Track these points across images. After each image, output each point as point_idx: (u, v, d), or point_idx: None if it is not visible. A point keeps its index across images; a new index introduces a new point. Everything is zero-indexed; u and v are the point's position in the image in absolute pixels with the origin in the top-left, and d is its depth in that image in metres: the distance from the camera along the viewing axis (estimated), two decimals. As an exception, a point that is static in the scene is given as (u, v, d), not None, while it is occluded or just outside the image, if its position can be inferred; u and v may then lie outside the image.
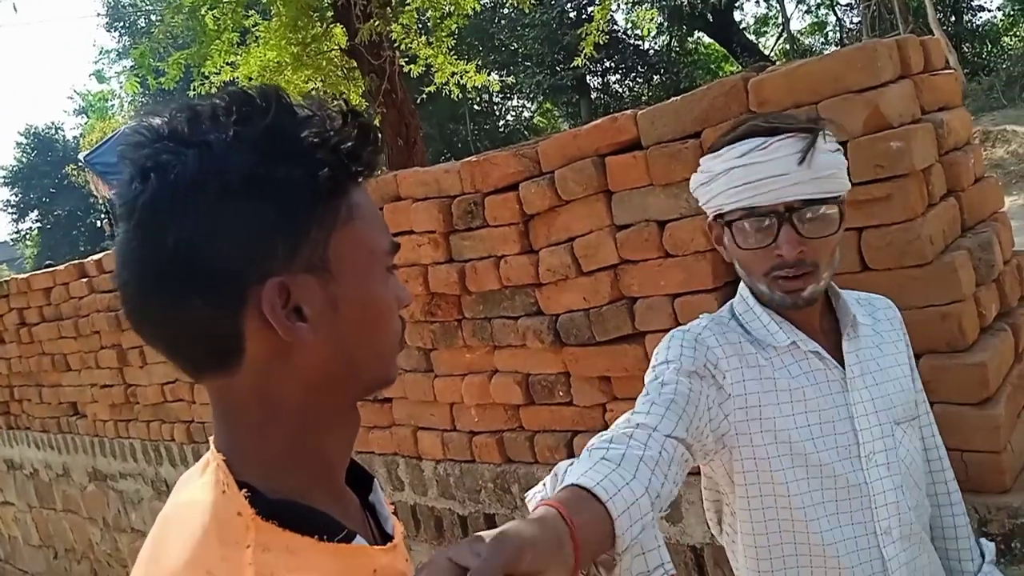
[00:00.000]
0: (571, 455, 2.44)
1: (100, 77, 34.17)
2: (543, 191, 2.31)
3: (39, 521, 5.58)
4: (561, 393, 2.45)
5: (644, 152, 2.12)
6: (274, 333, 0.70)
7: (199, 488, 0.73)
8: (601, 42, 6.79)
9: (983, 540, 1.45)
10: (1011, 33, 17.66)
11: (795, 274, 1.27)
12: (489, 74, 6.93)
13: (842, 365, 1.34)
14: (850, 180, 1.36)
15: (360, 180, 0.76)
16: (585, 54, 7.02)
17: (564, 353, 2.40)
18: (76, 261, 4.53)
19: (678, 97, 2.12)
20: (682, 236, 2.08)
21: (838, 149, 1.31)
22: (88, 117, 35.47)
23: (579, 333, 2.33)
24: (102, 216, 19.72)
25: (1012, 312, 2.00)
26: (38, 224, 35.22)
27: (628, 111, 2.20)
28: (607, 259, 2.23)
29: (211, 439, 0.77)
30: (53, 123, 46.21)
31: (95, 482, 4.80)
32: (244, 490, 0.70)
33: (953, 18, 17.28)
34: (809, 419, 1.32)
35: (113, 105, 33.55)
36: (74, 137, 34.74)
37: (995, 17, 18.61)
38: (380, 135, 0.78)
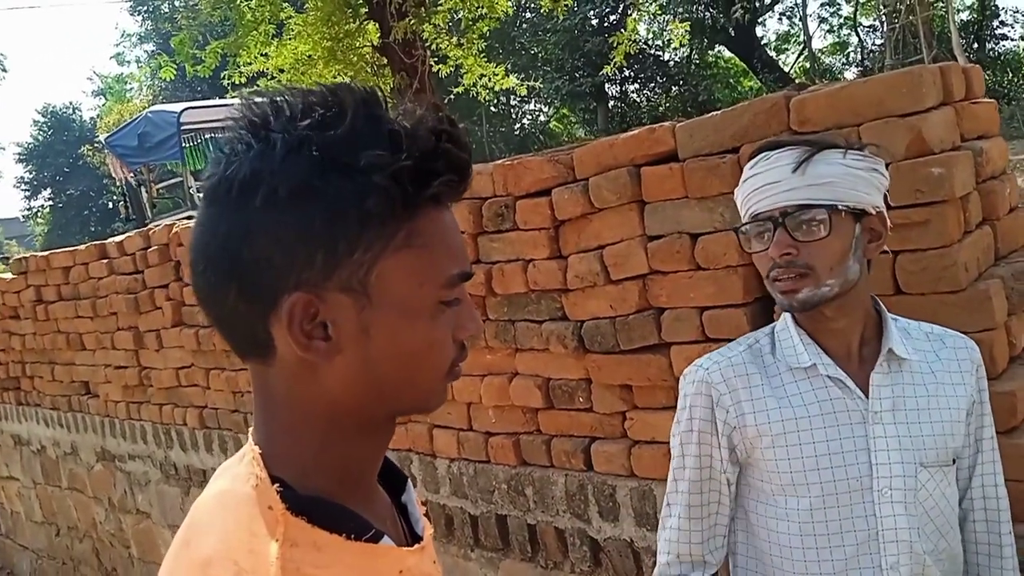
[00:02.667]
0: (588, 461, 2.45)
1: (120, 60, 34.32)
2: (576, 198, 2.32)
3: (43, 498, 5.60)
4: (581, 399, 2.46)
5: (681, 164, 2.13)
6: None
7: (233, 479, 0.74)
8: (631, 51, 6.81)
9: None
10: (1034, 64, 17.63)
11: (787, 275, 1.33)
12: (509, 77, 6.91)
13: (867, 396, 1.36)
14: (889, 204, 1.40)
15: (434, 203, 0.73)
16: (616, 63, 7.04)
17: (587, 359, 2.40)
18: (97, 242, 4.55)
19: (718, 112, 2.12)
20: (715, 250, 2.09)
21: (872, 169, 1.34)
22: (106, 99, 35.63)
23: (603, 340, 2.34)
24: (115, 198, 19.79)
25: (1041, 343, 2.00)
26: (50, 202, 35.38)
27: (666, 123, 2.20)
28: (637, 268, 2.24)
29: (250, 430, 0.78)
30: (71, 103, 46.45)
31: (103, 462, 4.82)
32: (276, 485, 0.71)
33: (976, 45, 17.27)
34: (817, 448, 1.35)
35: (131, 88, 33.69)
36: (91, 118, 34.92)
37: (1018, 46, 18.58)
38: (468, 157, 0.74)
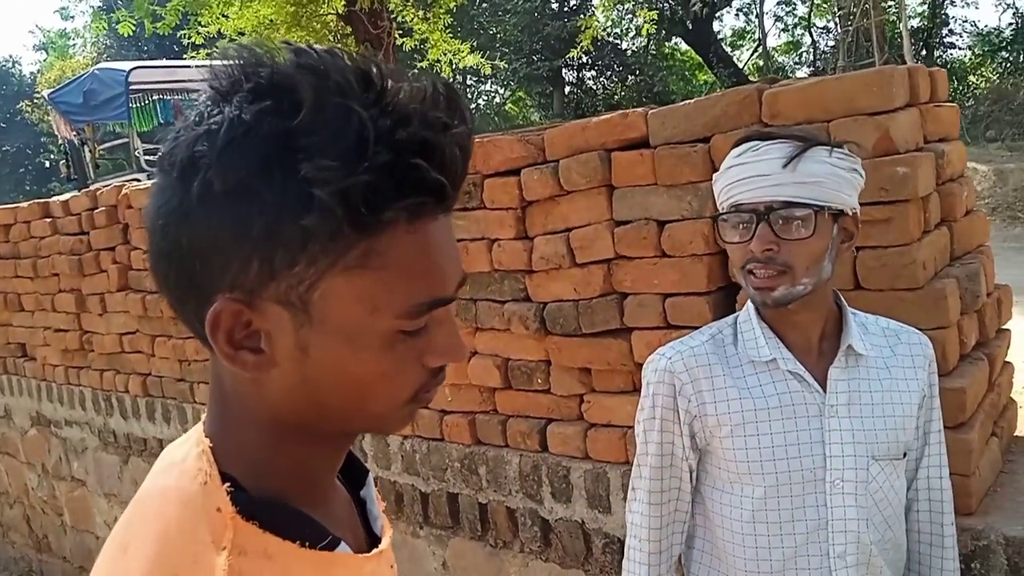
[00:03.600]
0: (543, 442, 2.46)
1: (64, 15, 33.13)
2: (545, 179, 2.32)
3: (-29, 462, 5.43)
4: (540, 380, 2.47)
5: (652, 151, 2.14)
6: None
7: (180, 475, 0.66)
8: (597, 35, 6.80)
9: None
10: (978, 72, 18.15)
11: (765, 271, 1.33)
12: (473, 55, 6.83)
13: (825, 390, 1.39)
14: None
15: (407, 219, 0.60)
16: (582, 47, 7.03)
17: (548, 341, 2.41)
18: (41, 200, 4.40)
19: (690, 100, 2.14)
20: (681, 237, 2.10)
21: (853, 169, 1.35)
22: (48, 54, 34.37)
23: (565, 323, 2.35)
24: (55, 156, 19.14)
25: (988, 343, 2.07)
26: (-16, 158, 34.03)
27: (639, 109, 2.21)
28: (602, 253, 2.25)
29: (203, 417, 0.71)
30: (10, 56, 44.68)
31: (37, 427, 4.68)
32: (227, 484, 0.63)
33: (924, 52, 17.69)
34: (774, 439, 1.38)
35: (75, 44, 32.56)
36: (31, 73, 33.64)
37: (964, 55, 19.11)
38: (458, 169, 0.62)
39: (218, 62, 0.63)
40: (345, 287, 0.61)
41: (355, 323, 0.62)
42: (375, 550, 0.73)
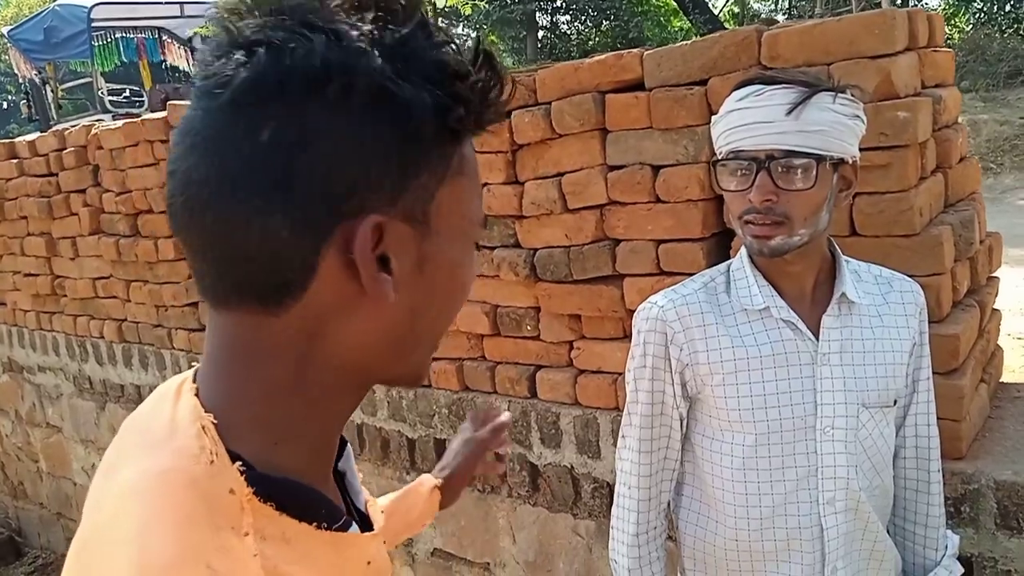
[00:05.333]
0: (532, 389, 2.46)
1: (19, -53, 31.84)
2: (537, 121, 2.27)
3: (-59, 409, 5.34)
4: (529, 327, 2.45)
5: (647, 93, 2.10)
6: (351, 279, 0.59)
7: (174, 454, 0.59)
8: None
9: (950, 532, 1.51)
10: (951, 23, 18.14)
11: (763, 221, 1.30)
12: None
13: (818, 338, 1.38)
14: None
15: (478, 132, 0.64)
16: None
17: (537, 288, 2.39)
18: (5, 140, 4.25)
19: (687, 42, 2.09)
20: (676, 182, 2.08)
21: (856, 116, 1.32)
22: (1, -11, 33.08)
23: (556, 269, 2.32)
24: (15, 96, 18.54)
25: (979, 290, 2.08)
26: (-62, 98, 32.94)
27: (635, 50, 2.16)
28: (595, 198, 2.22)
29: (192, 387, 0.63)
30: (-39, -10, 42.93)
31: (9, 373, 4.60)
32: (238, 463, 0.58)
33: (900, 1, 17.63)
34: (766, 388, 1.37)
35: (31, -21, 31.32)
36: (-15, 9, 32.42)
37: (939, 5, 19.07)
38: (511, 85, 0.64)
39: None
40: (451, 194, 0.62)
41: (461, 229, 0.64)
42: (374, 531, 0.71)
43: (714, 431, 1.44)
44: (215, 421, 0.60)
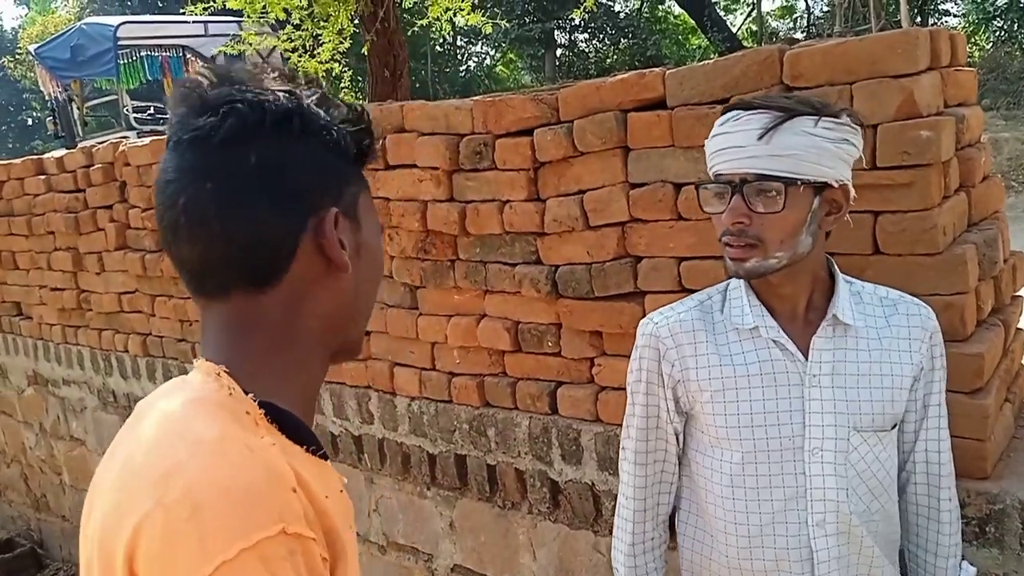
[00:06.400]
0: (553, 405, 2.46)
1: (46, -33, 32.40)
2: (559, 140, 2.29)
3: (-34, 421, 5.40)
4: (550, 343, 2.46)
5: (669, 112, 2.11)
6: (319, 258, 0.82)
7: (200, 390, 0.78)
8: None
9: (966, 563, 1.49)
10: (971, 41, 18.06)
11: (738, 243, 1.34)
12: (475, 13, 6.66)
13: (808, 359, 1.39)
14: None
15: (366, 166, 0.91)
16: (586, 7, 6.89)
17: (559, 304, 2.40)
18: (34, 156, 4.33)
19: (710, 61, 2.11)
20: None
21: (844, 140, 1.33)
22: (29, 9, 33.66)
23: (578, 286, 2.34)
24: (38, 113, 18.83)
25: (1004, 309, 2.07)
26: (-35, 115, 33.45)
27: (656, 69, 2.18)
28: (617, 215, 2.23)
29: (199, 360, 0.81)
30: (-11, 9, 43.71)
31: (35, 386, 4.66)
32: (250, 394, 0.78)
33: (919, 19, 17.59)
34: (753, 407, 1.39)
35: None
36: (12, 29, 32.99)
37: (959, 23, 19.00)
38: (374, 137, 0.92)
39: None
40: (366, 201, 0.88)
41: (373, 223, 0.90)
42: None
43: (705, 447, 1.47)
44: (226, 370, 0.79)
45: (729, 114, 1.37)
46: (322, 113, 0.82)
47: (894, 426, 1.41)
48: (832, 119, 1.32)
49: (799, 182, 1.30)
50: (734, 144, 1.33)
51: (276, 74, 0.84)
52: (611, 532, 2.39)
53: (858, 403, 1.37)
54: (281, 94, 0.81)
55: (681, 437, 1.51)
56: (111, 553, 0.70)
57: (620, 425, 2.31)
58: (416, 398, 2.80)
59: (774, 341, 1.38)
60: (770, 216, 1.31)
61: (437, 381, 2.73)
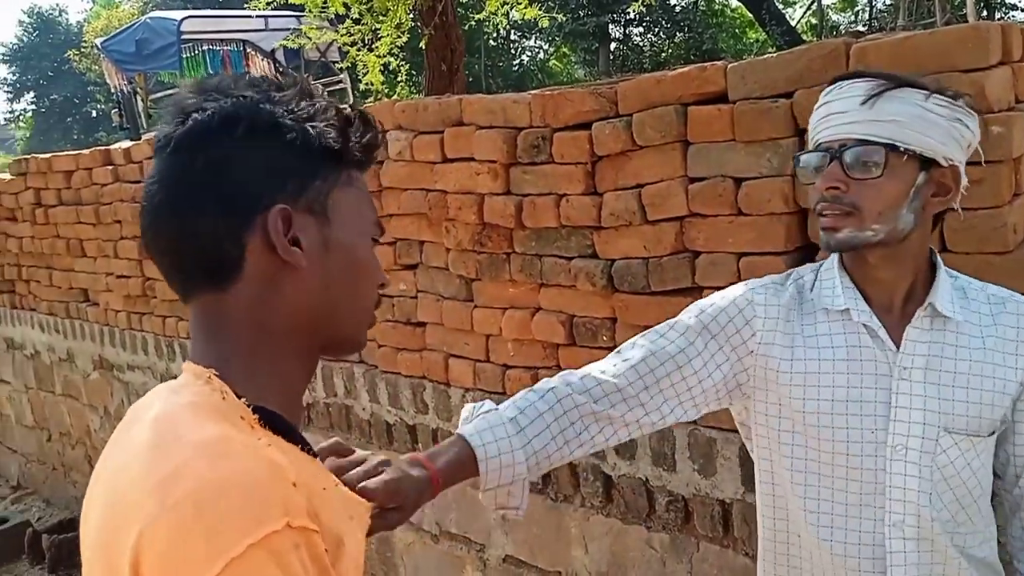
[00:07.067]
0: (607, 399, 2.46)
1: (111, -37, 33.22)
2: (617, 133, 2.28)
3: (35, 403, 5.59)
4: (605, 337, 2.46)
5: (731, 106, 2.10)
6: (272, 256, 0.81)
7: (195, 395, 0.79)
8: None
9: None
10: (1041, 35, 17.50)
11: (832, 211, 1.27)
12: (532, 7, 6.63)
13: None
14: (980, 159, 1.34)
15: (360, 166, 0.90)
16: (644, 1, 6.82)
17: (615, 299, 2.40)
18: (101, 147, 4.46)
19: (773, 54, 2.09)
20: (759, 195, 2.07)
21: (956, 119, 1.25)
22: (94, 3, 34.62)
23: (634, 281, 2.33)
24: (102, 106, 19.35)
25: (1075, 310, 2.01)
26: (33, 107, 34.59)
27: (718, 62, 2.16)
28: (675, 210, 2.22)
29: (186, 362, 0.83)
30: (57, 5, 45.14)
31: (100, 371, 4.80)
32: (242, 399, 0.79)
33: (985, 13, 17.08)
34: (836, 393, 1.31)
35: (122, -7, 32.70)
36: (78, 22, 33.98)
37: (1028, 16, 18.40)
38: (382, 136, 0.96)
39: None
40: (345, 197, 0.87)
41: (355, 222, 0.88)
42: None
43: (786, 432, 1.37)
44: (216, 373, 0.80)
45: (834, 84, 1.32)
46: (282, 111, 0.83)
47: (992, 433, 1.30)
48: (947, 98, 1.25)
49: (901, 149, 1.23)
50: (836, 111, 1.28)
51: (249, 80, 0.85)
52: (664, 528, 2.39)
53: (952, 403, 1.28)
54: (239, 98, 0.82)
55: (701, 400, 1.39)
56: (116, 558, 0.70)
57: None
58: (470, 389, 2.82)
59: (865, 326, 1.30)
60: (868, 182, 1.24)
61: (491, 373, 2.75)
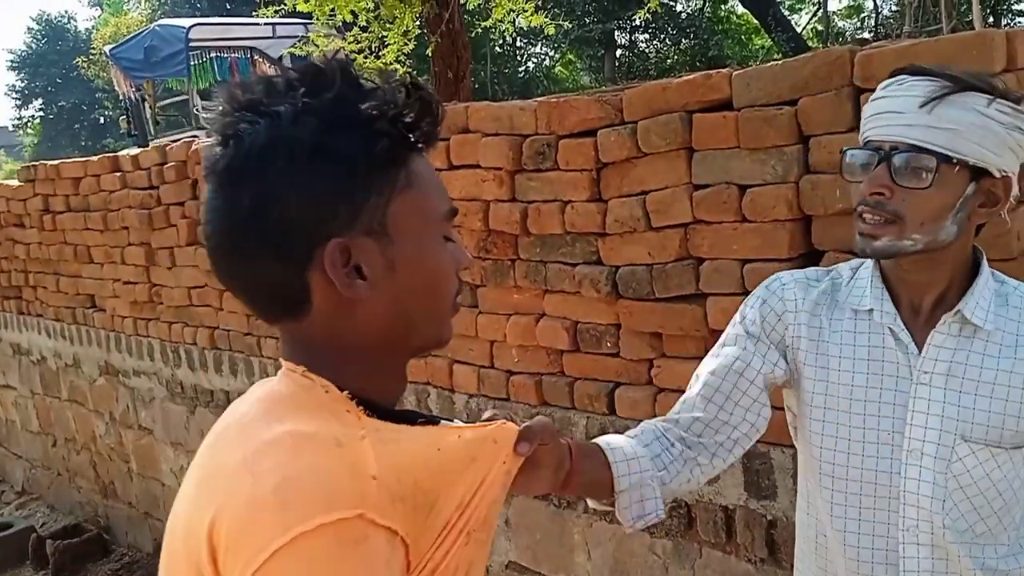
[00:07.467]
0: (611, 405, 2.47)
1: (120, -29, 33.42)
2: (623, 140, 2.29)
3: (41, 408, 5.61)
4: (609, 344, 2.47)
5: (735, 113, 2.10)
6: (336, 289, 0.78)
7: (298, 390, 0.80)
8: (660, -6, 6.61)
9: None
10: (1048, 42, 17.48)
11: (873, 217, 1.22)
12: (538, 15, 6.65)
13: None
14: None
15: (420, 150, 0.83)
16: (650, 8, 6.85)
17: (619, 305, 2.40)
18: (109, 154, 4.48)
19: (778, 62, 2.09)
20: (763, 202, 2.07)
21: (1018, 128, 1.19)
22: (102, 10, 34.81)
23: (638, 287, 2.34)
24: (110, 112, 19.44)
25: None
26: (41, 113, 34.76)
27: (723, 70, 2.17)
28: (679, 217, 2.23)
29: (283, 368, 0.84)
30: (66, 12, 45.40)
31: (106, 376, 4.82)
32: (345, 392, 0.80)
33: (992, 20, 17.06)
34: (854, 392, 1.29)
35: (129, 0, 32.88)
36: (86, 29, 34.16)
37: (1034, 24, 18.36)
38: (442, 108, 0.83)
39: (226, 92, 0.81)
40: (405, 204, 0.80)
41: (420, 229, 0.82)
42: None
43: (808, 423, 1.36)
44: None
45: (894, 78, 1.25)
46: (321, 126, 0.76)
47: (1018, 447, 1.26)
48: (1009, 103, 1.19)
49: (955, 160, 1.17)
50: (892, 109, 1.21)
51: (286, 83, 0.78)
52: (667, 534, 2.39)
53: (972, 411, 1.24)
54: (264, 119, 0.76)
55: (764, 394, 1.38)
56: (197, 525, 0.73)
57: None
58: (474, 395, 2.83)
59: (889, 328, 1.28)
60: (915, 192, 1.18)
61: (495, 379, 2.75)
